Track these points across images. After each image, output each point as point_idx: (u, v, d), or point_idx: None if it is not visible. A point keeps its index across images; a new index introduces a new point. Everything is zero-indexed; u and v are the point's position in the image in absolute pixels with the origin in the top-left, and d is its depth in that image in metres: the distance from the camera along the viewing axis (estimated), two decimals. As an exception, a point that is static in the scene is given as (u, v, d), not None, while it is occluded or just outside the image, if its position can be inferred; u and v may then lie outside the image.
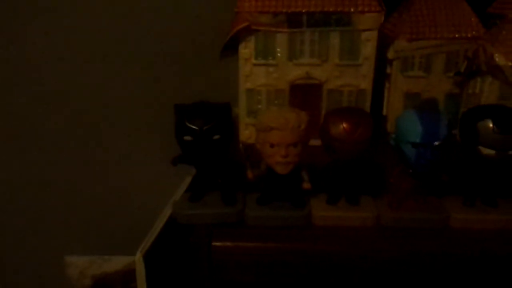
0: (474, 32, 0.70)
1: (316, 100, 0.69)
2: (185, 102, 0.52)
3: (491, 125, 0.47)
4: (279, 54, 0.68)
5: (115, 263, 0.93)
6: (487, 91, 0.64)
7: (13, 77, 0.77)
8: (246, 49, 0.68)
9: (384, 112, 0.77)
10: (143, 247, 0.53)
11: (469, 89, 0.68)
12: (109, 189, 0.86)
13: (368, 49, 0.67)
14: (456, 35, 0.71)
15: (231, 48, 0.69)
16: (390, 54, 0.73)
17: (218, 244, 0.49)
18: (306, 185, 0.50)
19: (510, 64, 0.61)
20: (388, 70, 0.75)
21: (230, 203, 0.51)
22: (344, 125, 0.47)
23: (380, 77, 0.74)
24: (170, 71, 0.74)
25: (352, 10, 0.64)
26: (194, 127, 0.47)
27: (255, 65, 0.69)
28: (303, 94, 0.69)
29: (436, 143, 0.46)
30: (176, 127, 0.49)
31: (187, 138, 0.47)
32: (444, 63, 0.72)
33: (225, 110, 0.50)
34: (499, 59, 0.61)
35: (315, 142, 0.53)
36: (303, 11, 0.65)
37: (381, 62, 0.73)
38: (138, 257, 0.52)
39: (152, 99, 0.77)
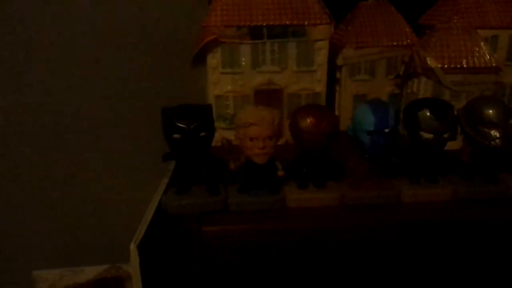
0: (409, 40, 0.83)
1: (278, 103, 0.78)
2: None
3: (428, 113, 0.57)
4: (243, 63, 0.76)
5: (87, 273, 0.95)
6: (423, 89, 0.75)
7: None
8: (214, 59, 0.75)
9: (336, 112, 0.87)
10: (136, 238, 0.58)
11: (408, 89, 0.80)
12: (77, 199, 0.87)
13: (321, 57, 0.77)
14: (394, 43, 0.82)
15: (200, 58, 0.76)
16: (339, 61, 0.83)
17: (208, 229, 0.56)
18: (280, 173, 0.58)
19: (440, 66, 0.72)
20: (338, 76, 0.85)
21: (215, 193, 0.58)
22: (311, 118, 0.56)
23: (332, 82, 0.85)
24: (145, 81, 0.79)
25: (306, 23, 0.74)
26: (182, 125, 0.53)
27: (222, 73, 0.76)
28: (266, 98, 0.78)
29: (386, 130, 0.55)
30: (165, 127, 0.54)
31: (176, 136, 0.53)
32: (386, 67, 0.84)
33: (208, 110, 0.56)
34: (431, 62, 0.73)
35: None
36: (264, 24, 0.74)
37: (332, 69, 0.83)
38: (133, 247, 0.57)
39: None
